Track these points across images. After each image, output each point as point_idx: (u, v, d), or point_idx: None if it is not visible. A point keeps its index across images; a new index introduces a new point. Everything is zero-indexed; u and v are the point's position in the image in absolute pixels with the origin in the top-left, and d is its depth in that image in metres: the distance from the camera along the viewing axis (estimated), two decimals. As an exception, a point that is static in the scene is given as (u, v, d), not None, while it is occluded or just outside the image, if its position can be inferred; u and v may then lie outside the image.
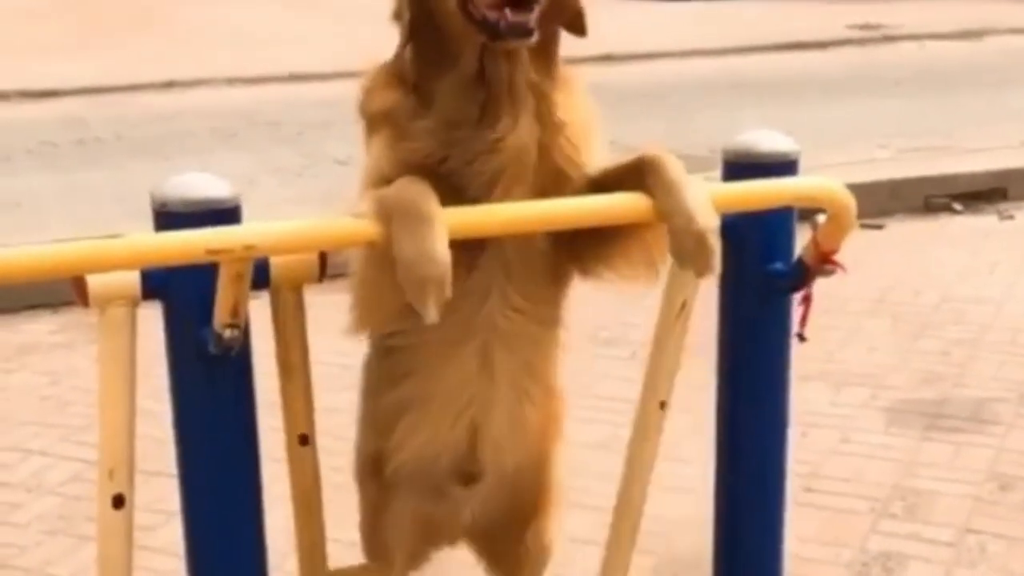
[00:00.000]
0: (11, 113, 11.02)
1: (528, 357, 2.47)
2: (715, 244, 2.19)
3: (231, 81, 12.25)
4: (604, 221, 2.28)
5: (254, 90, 11.89)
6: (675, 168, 2.24)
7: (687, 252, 2.20)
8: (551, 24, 2.27)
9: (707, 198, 2.23)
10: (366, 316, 2.32)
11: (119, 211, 7.22)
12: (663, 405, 2.67)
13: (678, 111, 10.38)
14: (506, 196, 2.24)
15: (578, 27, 2.32)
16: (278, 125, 10.30)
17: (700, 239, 2.18)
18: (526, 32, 2.12)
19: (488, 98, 2.22)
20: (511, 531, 2.77)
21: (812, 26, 14.97)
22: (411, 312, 2.10)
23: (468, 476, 2.55)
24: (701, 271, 2.22)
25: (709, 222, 2.19)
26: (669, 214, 2.20)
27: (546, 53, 2.28)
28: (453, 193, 2.20)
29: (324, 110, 10.01)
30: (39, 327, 6.02)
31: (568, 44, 2.33)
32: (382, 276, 2.13)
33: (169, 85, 12.07)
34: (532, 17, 2.12)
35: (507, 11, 2.10)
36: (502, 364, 2.42)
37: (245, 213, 2.31)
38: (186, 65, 12.83)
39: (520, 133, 2.22)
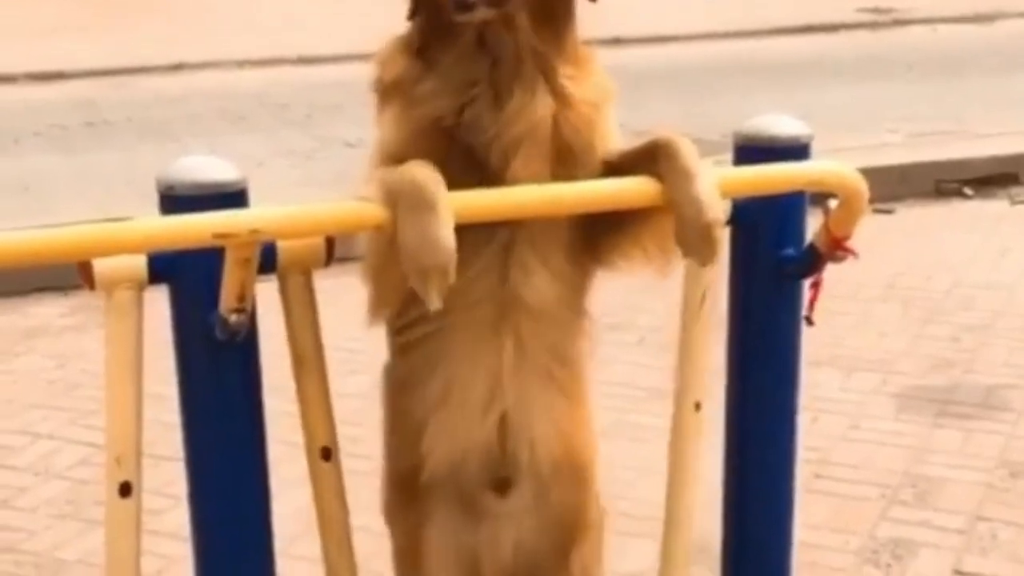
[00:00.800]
0: (20, 95, 11.04)
1: (554, 340, 2.38)
2: (720, 237, 2.19)
3: (241, 63, 12.26)
4: (613, 206, 2.25)
5: (264, 72, 11.89)
6: (688, 154, 2.21)
7: (692, 242, 2.19)
8: None
9: (716, 188, 2.20)
10: (380, 301, 2.29)
11: (129, 193, 7.23)
12: (698, 406, 2.61)
13: (689, 95, 10.35)
14: (525, 168, 2.20)
15: None
16: (288, 107, 10.30)
17: (707, 231, 2.17)
18: (465, 7, 2.11)
19: (494, 65, 2.19)
20: (555, 563, 2.54)
21: (824, 9, 14.93)
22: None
23: (502, 482, 2.42)
24: (704, 262, 2.24)
25: (718, 214, 2.18)
26: (679, 203, 2.18)
27: (553, 24, 2.24)
28: (469, 162, 2.18)
29: (334, 92, 10.01)
30: (48, 310, 6.02)
31: (578, 27, 2.31)
32: (391, 260, 2.10)
33: (179, 67, 12.08)
34: None
35: None
36: (528, 342, 2.32)
37: (254, 196, 2.29)
38: (196, 47, 12.84)
39: (537, 104, 2.19)
